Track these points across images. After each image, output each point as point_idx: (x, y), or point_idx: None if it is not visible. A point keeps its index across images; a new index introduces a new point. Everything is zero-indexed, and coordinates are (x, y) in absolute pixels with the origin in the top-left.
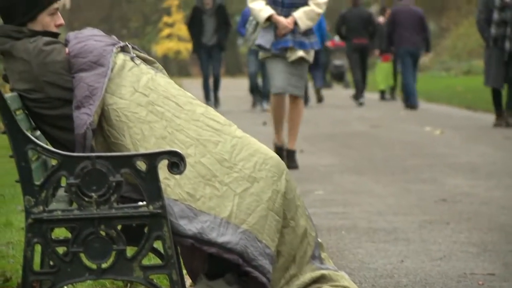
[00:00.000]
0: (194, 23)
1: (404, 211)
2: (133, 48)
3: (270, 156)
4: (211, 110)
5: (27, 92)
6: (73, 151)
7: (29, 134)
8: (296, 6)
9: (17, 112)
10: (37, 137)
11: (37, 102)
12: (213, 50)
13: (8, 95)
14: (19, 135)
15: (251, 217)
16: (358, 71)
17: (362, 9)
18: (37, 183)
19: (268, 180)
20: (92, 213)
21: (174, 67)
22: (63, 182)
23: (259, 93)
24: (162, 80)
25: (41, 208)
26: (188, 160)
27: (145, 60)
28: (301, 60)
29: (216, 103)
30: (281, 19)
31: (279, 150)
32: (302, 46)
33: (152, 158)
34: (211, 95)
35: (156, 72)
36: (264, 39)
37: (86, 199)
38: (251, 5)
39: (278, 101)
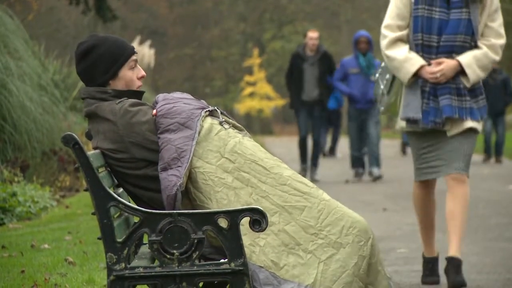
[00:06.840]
0: (293, 73)
1: (487, 269)
2: (221, 113)
3: (358, 220)
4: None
5: (112, 152)
6: (155, 208)
7: (111, 192)
8: (457, 51)
9: (100, 170)
10: (119, 194)
11: (121, 161)
12: (314, 108)
13: (90, 152)
14: (102, 192)
15: (336, 283)
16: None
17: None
18: (119, 240)
19: (355, 246)
20: (173, 270)
21: (256, 126)
22: (145, 239)
23: (360, 161)
24: (249, 143)
25: (123, 265)
26: (272, 228)
27: (233, 126)
28: (469, 131)
29: (313, 172)
30: (431, 69)
31: (429, 263)
32: (470, 115)
33: (234, 216)
34: (307, 158)
35: (243, 136)
36: (412, 107)
37: (168, 256)
38: (389, 52)
39: (426, 191)
